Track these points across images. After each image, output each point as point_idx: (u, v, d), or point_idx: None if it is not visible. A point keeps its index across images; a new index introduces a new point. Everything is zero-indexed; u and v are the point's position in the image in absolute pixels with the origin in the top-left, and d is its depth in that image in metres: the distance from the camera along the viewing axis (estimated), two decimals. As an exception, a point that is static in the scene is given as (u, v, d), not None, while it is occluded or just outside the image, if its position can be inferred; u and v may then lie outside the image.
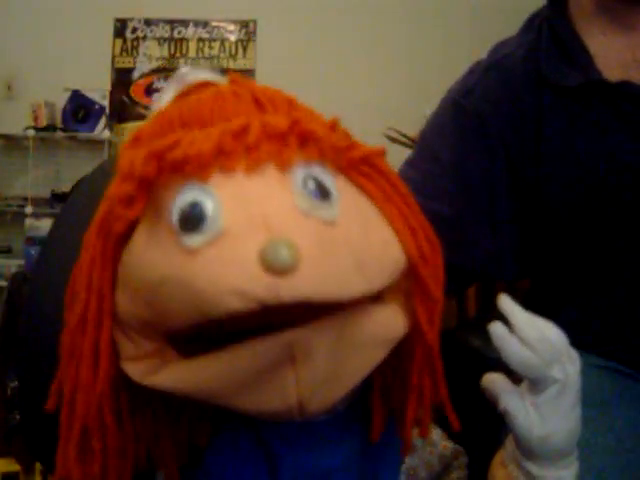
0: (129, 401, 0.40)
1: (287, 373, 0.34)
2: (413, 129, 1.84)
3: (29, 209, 3.16)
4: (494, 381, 0.50)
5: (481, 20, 3.16)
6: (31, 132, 3.21)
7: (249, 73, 3.41)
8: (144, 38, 3.50)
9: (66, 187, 3.09)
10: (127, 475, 0.41)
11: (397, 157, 0.72)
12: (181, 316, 0.34)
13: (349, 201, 0.38)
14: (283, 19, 3.43)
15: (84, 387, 0.38)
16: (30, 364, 0.63)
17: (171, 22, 3.50)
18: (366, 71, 3.40)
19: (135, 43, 3.50)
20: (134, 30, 3.50)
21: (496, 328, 0.48)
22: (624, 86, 0.73)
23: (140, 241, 0.37)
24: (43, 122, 3.27)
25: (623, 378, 0.76)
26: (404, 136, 2.08)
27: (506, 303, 0.49)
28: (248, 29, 3.52)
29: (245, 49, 3.52)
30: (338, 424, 0.45)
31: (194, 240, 0.34)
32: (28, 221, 3.07)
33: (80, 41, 3.33)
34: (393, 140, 2.05)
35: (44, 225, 2.86)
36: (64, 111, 3.29)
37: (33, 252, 2.88)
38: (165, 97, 0.44)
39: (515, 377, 0.49)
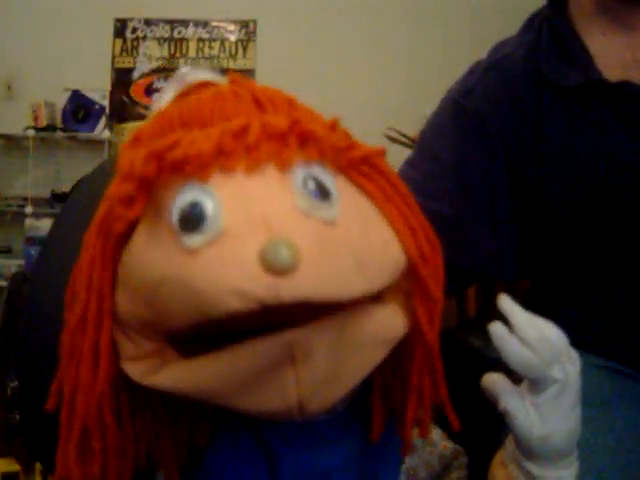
0: (129, 401, 0.40)
1: (287, 373, 0.34)
2: (413, 129, 1.84)
3: (29, 209, 3.15)
4: (494, 381, 0.50)
5: (481, 20, 3.16)
6: (31, 132, 3.21)
7: (249, 73, 3.41)
8: (144, 38, 3.50)
9: (66, 187, 3.09)
10: (127, 475, 0.41)
11: (397, 157, 0.72)
12: (181, 316, 0.34)
13: (349, 201, 0.38)
14: (283, 19, 3.44)
15: (84, 387, 0.38)
16: (30, 364, 0.63)
17: (171, 22, 3.50)
18: (366, 71, 3.40)
19: (135, 43, 3.50)
20: (134, 30, 3.50)
21: (496, 328, 0.48)
22: (624, 86, 0.73)
23: (140, 241, 0.37)
24: (43, 122, 3.26)
25: (623, 378, 0.76)
26: (404, 136, 2.08)
27: (506, 303, 0.49)
28: (248, 29, 3.52)
29: (245, 49, 3.52)
30: (338, 424, 0.45)
31: (194, 240, 0.34)
32: (28, 221, 3.07)
33: (80, 41, 3.33)
34: (393, 140, 2.05)
35: (44, 225, 2.86)
36: (64, 111, 3.29)
37: (33, 252, 2.87)
38: (165, 97, 0.44)
39: (515, 377, 0.49)
